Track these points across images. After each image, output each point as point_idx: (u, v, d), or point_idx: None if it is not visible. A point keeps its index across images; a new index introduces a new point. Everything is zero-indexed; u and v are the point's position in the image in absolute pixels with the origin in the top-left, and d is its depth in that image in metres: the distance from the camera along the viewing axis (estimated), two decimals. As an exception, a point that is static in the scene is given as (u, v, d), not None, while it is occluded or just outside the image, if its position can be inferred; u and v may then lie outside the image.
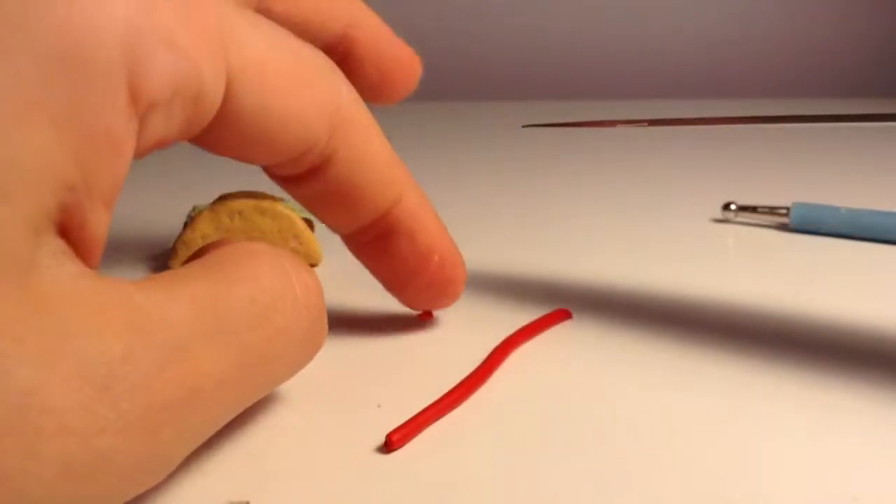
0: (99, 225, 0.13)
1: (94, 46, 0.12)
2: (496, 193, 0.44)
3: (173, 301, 0.13)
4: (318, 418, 0.18)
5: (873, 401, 0.19)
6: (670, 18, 1.21)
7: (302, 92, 0.17)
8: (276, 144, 0.18)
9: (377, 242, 0.22)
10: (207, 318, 0.14)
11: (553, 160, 0.57)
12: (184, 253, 0.28)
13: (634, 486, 0.15)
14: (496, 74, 1.14)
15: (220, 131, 0.16)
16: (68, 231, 0.13)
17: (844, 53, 1.22)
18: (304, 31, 0.24)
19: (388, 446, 0.17)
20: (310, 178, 0.20)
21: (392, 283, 0.23)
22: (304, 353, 0.17)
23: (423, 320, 0.24)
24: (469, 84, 1.12)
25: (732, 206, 0.37)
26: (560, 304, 0.26)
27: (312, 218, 0.29)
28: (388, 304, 0.25)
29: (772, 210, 0.36)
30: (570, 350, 0.22)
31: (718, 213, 0.39)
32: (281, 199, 0.29)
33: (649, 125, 0.23)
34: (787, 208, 0.36)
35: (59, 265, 0.12)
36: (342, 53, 0.25)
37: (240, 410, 0.16)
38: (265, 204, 0.28)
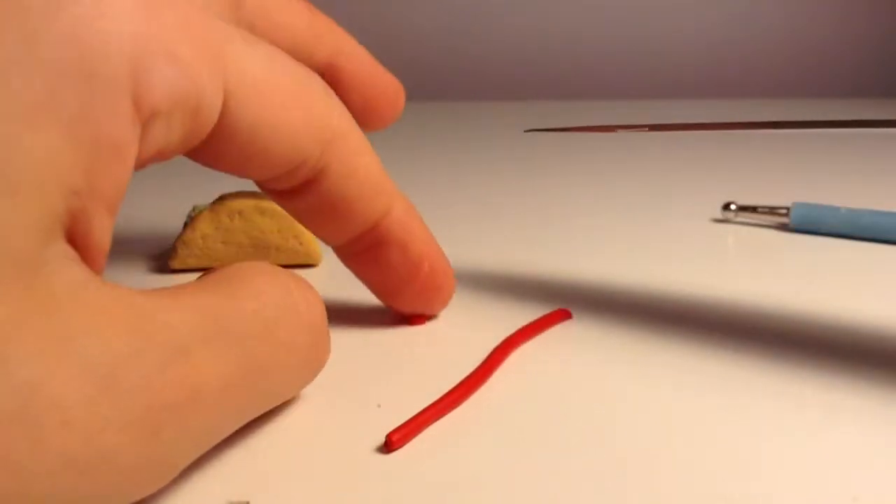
0: (103, 231, 0.14)
1: (101, 58, 0.13)
2: (496, 193, 0.44)
3: (176, 307, 0.14)
4: (318, 418, 0.18)
5: (874, 400, 0.19)
6: (670, 18, 1.21)
7: (295, 109, 0.18)
8: (269, 159, 0.18)
9: (368, 253, 0.22)
10: (209, 324, 0.14)
11: (553, 160, 0.57)
12: (184, 253, 0.28)
13: (634, 486, 0.15)
14: (496, 74, 1.14)
15: (216, 146, 0.17)
16: (74, 237, 0.13)
17: (844, 53, 1.22)
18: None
19: (388, 446, 0.17)
20: (303, 192, 0.20)
21: (384, 292, 0.23)
22: (307, 369, 0.17)
23: (413, 325, 0.24)
24: (469, 84, 1.12)
25: (732, 206, 0.37)
26: (560, 304, 0.26)
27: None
28: (388, 304, 0.26)
29: (772, 210, 0.36)
30: (570, 350, 0.22)
31: (718, 213, 0.39)
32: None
33: (650, 130, 0.23)
34: (787, 208, 0.36)
35: (65, 268, 0.12)
36: (329, 82, 0.26)
37: (243, 421, 0.16)
38: (265, 204, 0.28)
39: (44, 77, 0.12)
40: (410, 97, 1.03)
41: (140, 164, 0.15)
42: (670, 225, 0.37)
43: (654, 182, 0.49)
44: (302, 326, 0.17)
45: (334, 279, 0.28)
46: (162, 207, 0.41)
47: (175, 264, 0.28)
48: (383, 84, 0.28)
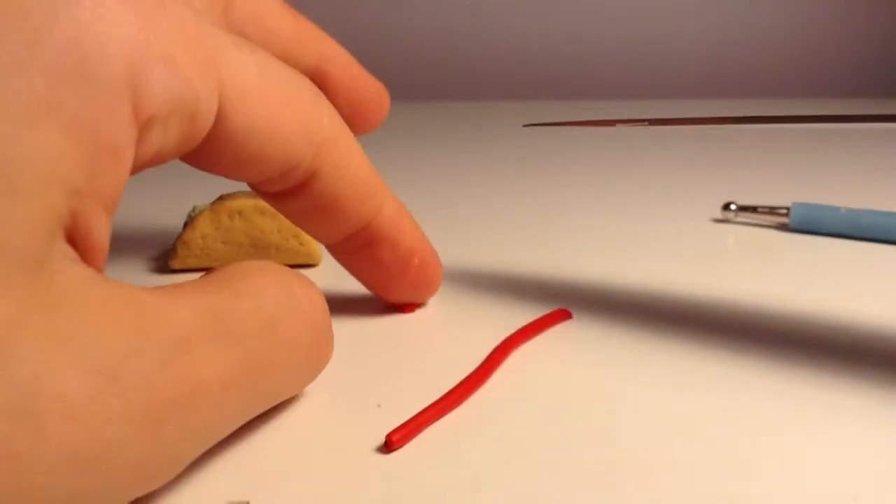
0: (102, 231, 0.14)
1: (100, 61, 0.13)
2: (496, 193, 0.44)
3: (178, 304, 0.14)
4: (318, 418, 0.18)
5: (874, 400, 0.19)
6: (671, 19, 1.21)
7: (288, 113, 0.18)
8: (263, 162, 0.18)
9: (360, 251, 0.23)
10: (210, 322, 0.14)
11: (553, 160, 0.57)
12: (184, 253, 0.28)
13: (634, 486, 0.15)
14: (496, 74, 1.14)
15: (210, 150, 0.17)
16: (74, 237, 0.13)
17: (844, 53, 1.22)
18: None
19: (388, 446, 0.17)
20: (296, 194, 0.21)
21: (376, 286, 0.24)
22: (309, 368, 0.18)
23: (406, 312, 0.25)
24: (469, 84, 1.12)
25: (732, 206, 0.37)
26: (560, 304, 0.26)
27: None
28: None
29: (772, 210, 0.36)
30: (570, 350, 0.22)
31: (718, 213, 0.39)
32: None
33: (649, 125, 0.23)
34: (787, 208, 0.36)
35: (68, 266, 0.13)
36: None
37: (245, 418, 0.16)
38: (265, 204, 0.28)
39: (45, 79, 0.12)
40: (410, 97, 1.03)
41: (137, 168, 0.15)
42: (670, 225, 0.37)
43: (654, 182, 0.49)
44: (304, 325, 0.17)
45: (334, 279, 0.28)
46: (162, 207, 0.41)
47: (175, 264, 0.28)
48: (368, 88, 0.28)
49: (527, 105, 0.98)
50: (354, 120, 0.28)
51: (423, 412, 0.18)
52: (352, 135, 0.21)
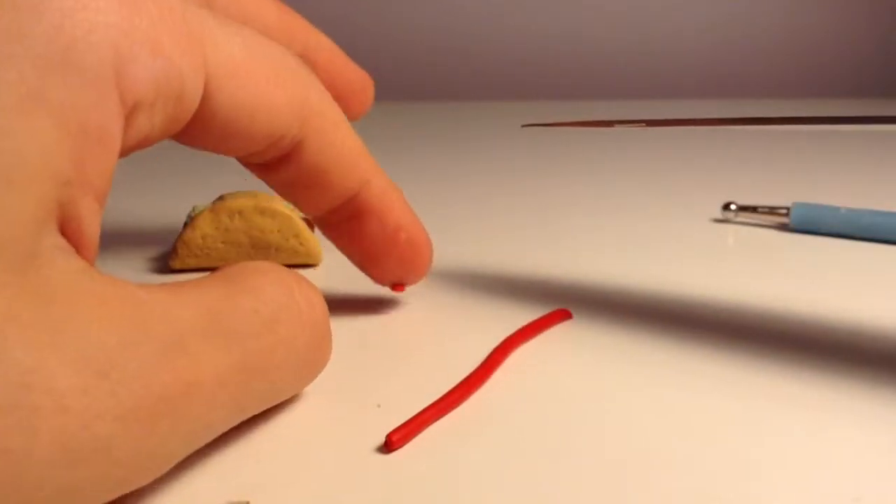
0: (93, 220, 0.14)
1: (87, 50, 0.13)
2: (496, 193, 0.44)
3: (175, 301, 0.14)
4: (318, 418, 0.18)
5: (875, 400, 0.19)
6: (670, 18, 1.20)
7: (273, 87, 0.18)
8: (249, 137, 0.19)
9: (348, 223, 0.23)
10: (208, 320, 0.14)
11: (553, 160, 0.57)
12: (184, 253, 0.28)
13: (634, 486, 0.15)
14: (496, 74, 1.14)
15: (197, 128, 0.17)
16: (66, 226, 0.13)
17: (844, 53, 1.22)
18: None
19: (388, 446, 0.17)
20: (282, 165, 0.21)
21: (363, 261, 0.24)
22: (308, 369, 0.18)
23: (396, 292, 0.25)
24: (469, 84, 1.12)
25: (732, 206, 0.37)
26: (560, 304, 0.26)
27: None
28: (387, 303, 0.26)
29: (772, 210, 0.36)
30: (570, 350, 0.22)
31: (718, 213, 0.39)
32: (281, 200, 0.29)
33: (647, 126, 0.23)
34: (787, 208, 0.36)
35: (61, 259, 0.13)
36: None
37: (241, 417, 0.16)
38: (265, 204, 0.28)
39: (33, 69, 0.13)
40: (410, 97, 1.03)
41: (124, 152, 0.15)
42: (670, 225, 0.37)
43: (654, 182, 0.48)
44: (303, 326, 0.17)
45: (334, 279, 0.28)
46: (162, 207, 0.41)
47: (175, 264, 0.28)
48: (353, 77, 0.28)
49: (527, 105, 0.98)
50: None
51: (423, 412, 0.18)
52: (338, 108, 0.21)
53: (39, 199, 0.12)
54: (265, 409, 0.17)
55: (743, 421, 0.18)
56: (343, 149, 0.21)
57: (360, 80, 0.29)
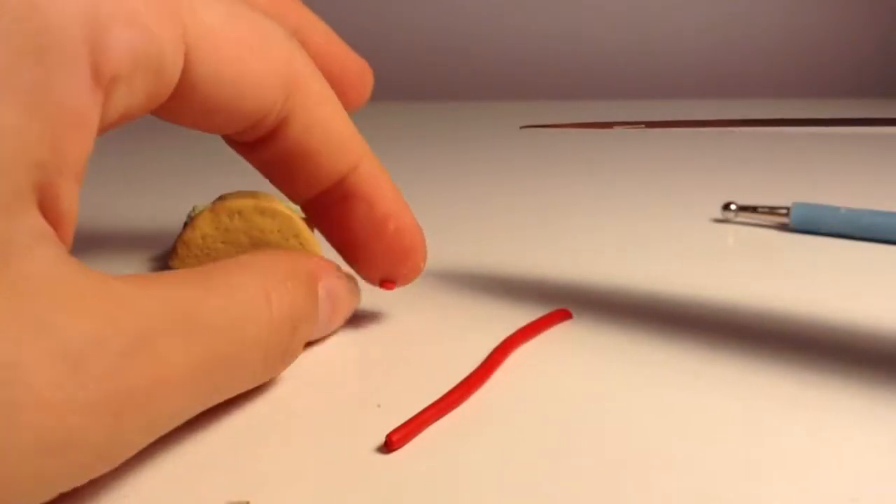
0: (71, 199, 0.14)
1: (57, 28, 0.13)
2: (496, 193, 0.44)
3: (148, 295, 0.14)
4: (318, 418, 0.18)
5: (874, 400, 0.19)
6: (670, 18, 1.20)
7: (257, 58, 0.18)
8: (233, 111, 0.18)
9: (335, 208, 0.22)
10: (177, 316, 0.14)
11: (553, 160, 0.57)
12: (184, 253, 0.28)
13: (634, 486, 0.15)
14: (496, 74, 1.14)
15: (179, 101, 0.17)
16: (44, 207, 0.13)
17: (844, 53, 1.22)
18: None
19: (388, 446, 0.17)
20: (267, 143, 0.20)
21: (350, 252, 0.23)
22: (272, 367, 0.18)
23: (384, 289, 0.23)
24: (469, 84, 1.12)
25: (732, 206, 0.37)
26: (560, 304, 0.26)
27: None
28: (387, 303, 0.26)
29: (772, 210, 0.36)
30: (570, 350, 0.22)
31: (718, 213, 0.39)
32: (281, 200, 0.29)
33: (646, 127, 0.23)
34: (787, 208, 0.36)
35: (39, 247, 0.13)
36: None
37: (204, 408, 0.16)
38: (265, 204, 0.28)
39: (5, 52, 0.12)
40: (410, 97, 1.03)
41: (105, 128, 0.15)
42: (670, 225, 0.37)
43: (654, 182, 0.49)
44: (271, 325, 0.17)
45: (334, 279, 0.28)
46: (162, 207, 0.41)
47: (175, 264, 0.28)
48: (350, 64, 0.27)
49: (526, 105, 0.98)
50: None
51: (423, 412, 0.18)
52: (326, 84, 0.20)
53: (14, 186, 0.12)
54: (225, 399, 0.17)
55: (743, 421, 0.18)
56: (331, 125, 0.20)
57: (357, 68, 0.27)
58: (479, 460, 0.16)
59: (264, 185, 0.25)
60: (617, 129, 0.23)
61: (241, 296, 0.16)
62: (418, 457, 0.16)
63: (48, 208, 0.13)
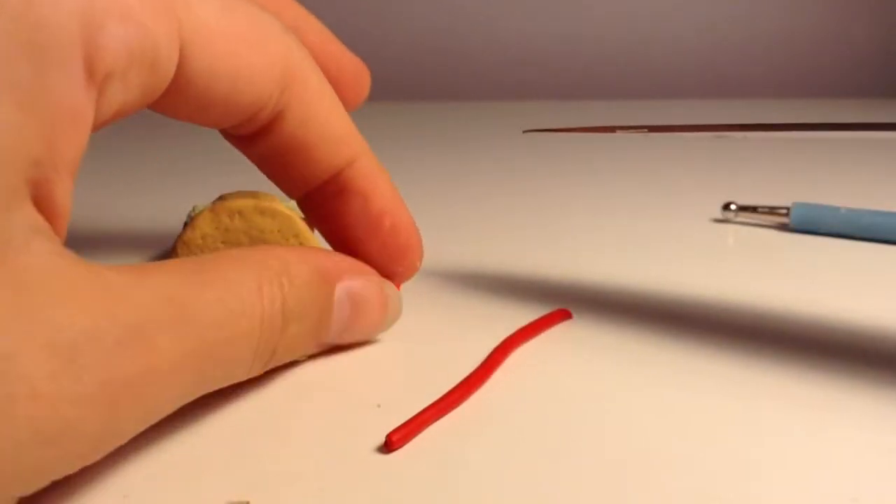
0: (65, 195, 0.14)
1: (52, 25, 0.13)
2: (496, 193, 0.44)
3: (141, 286, 0.14)
4: (318, 418, 0.18)
5: (874, 400, 0.19)
6: (670, 19, 1.20)
7: (253, 52, 0.18)
8: (229, 106, 0.18)
9: (331, 204, 0.22)
10: (172, 308, 0.15)
11: (553, 160, 0.57)
12: (184, 253, 0.28)
13: (634, 486, 0.15)
14: (496, 74, 1.14)
15: (174, 96, 0.17)
16: (39, 203, 0.13)
17: (844, 53, 1.22)
18: None
19: (388, 446, 0.17)
20: (263, 136, 0.20)
21: (346, 249, 0.22)
22: (262, 362, 0.18)
23: None
24: (469, 84, 1.12)
25: (732, 206, 0.37)
26: (560, 304, 0.26)
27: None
28: (388, 304, 0.25)
29: (772, 210, 0.36)
30: (570, 350, 0.22)
31: (718, 213, 0.39)
32: (281, 200, 0.29)
33: (649, 132, 0.23)
34: (787, 208, 0.36)
35: (34, 241, 0.13)
36: None
37: (195, 396, 0.16)
38: (265, 204, 0.28)
39: (2, 52, 0.13)
40: (410, 97, 1.03)
41: (101, 124, 0.15)
42: (670, 225, 0.37)
43: (654, 182, 0.48)
44: (263, 320, 0.17)
45: (334, 279, 0.28)
46: (162, 207, 0.41)
47: (175, 264, 0.28)
48: (347, 64, 0.27)
49: (527, 105, 0.98)
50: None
51: (423, 412, 0.18)
52: (323, 77, 0.20)
53: (10, 181, 0.12)
54: (215, 389, 0.17)
55: (743, 421, 0.18)
56: (327, 119, 0.20)
57: (353, 67, 0.27)
58: (479, 460, 0.16)
59: (264, 185, 0.25)
60: (617, 132, 0.23)
61: (234, 289, 0.16)
62: (418, 457, 0.16)
63: (43, 204, 0.13)
